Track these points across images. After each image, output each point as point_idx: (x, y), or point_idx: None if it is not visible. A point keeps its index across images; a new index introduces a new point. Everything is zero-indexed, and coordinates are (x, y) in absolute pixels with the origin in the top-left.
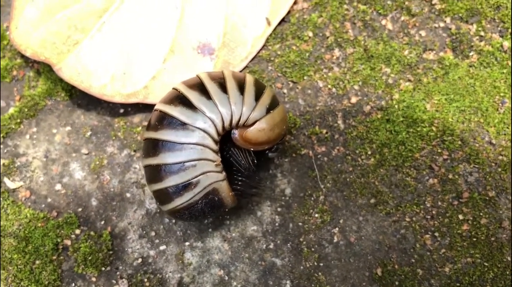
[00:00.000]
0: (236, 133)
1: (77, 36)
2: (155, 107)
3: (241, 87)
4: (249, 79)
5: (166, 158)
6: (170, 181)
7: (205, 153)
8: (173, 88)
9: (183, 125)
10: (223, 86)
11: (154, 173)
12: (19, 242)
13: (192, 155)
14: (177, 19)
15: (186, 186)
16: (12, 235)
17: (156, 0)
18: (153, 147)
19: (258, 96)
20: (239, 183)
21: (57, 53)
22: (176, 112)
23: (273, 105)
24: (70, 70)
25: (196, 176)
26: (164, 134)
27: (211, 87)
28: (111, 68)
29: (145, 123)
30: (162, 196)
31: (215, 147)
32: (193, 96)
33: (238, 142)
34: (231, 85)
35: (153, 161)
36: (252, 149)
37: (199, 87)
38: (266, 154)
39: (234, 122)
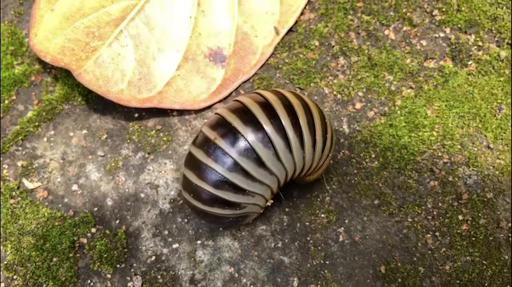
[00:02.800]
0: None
1: (95, 43)
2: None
3: (313, 135)
4: (319, 123)
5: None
6: (224, 195)
7: (264, 197)
8: (245, 140)
9: (250, 175)
10: (301, 139)
11: (214, 178)
12: (37, 240)
13: (251, 200)
14: (191, 28)
15: (233, 205)
16: (31, 233)
17: (171, 10)
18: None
19: (325, 140)
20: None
21: (76, 59)
22: (247, 165)
23: (333, 140)
24: (89, 76)
25: (248, 204)
26: (233, 177)
27: (289, 143)
28: (127, 74)
29: (159, 127)
30: (205, 198)
31: (274, 192)
32: (265, 155)
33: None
34: (308, 140)
35: (222, 173)
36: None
37: (272, 143)
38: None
39: (301, 174)
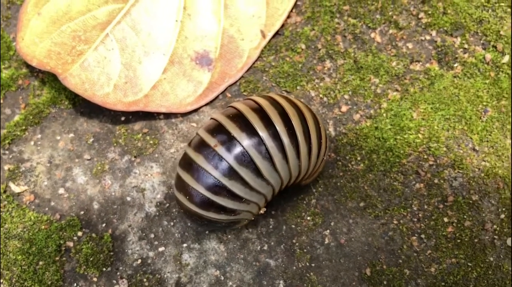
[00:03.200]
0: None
1: (81, 47)
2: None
3: (308, 143)
4: (313, 129)
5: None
6: (221, 201)
7: (258, 205)
8: (245, 151)
9: (248, 185)
10: (297, 149)
11: (213, 184)
12: (23, 243)
13: (247, 207)
14: (177, 32)
15: (229, 211)
16: (17, 237)
17: (157, 13)
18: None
19: (319, 146)
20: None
21: (62, 63)
22: (246, 175)
23: (327, 142)
24: (74, 80)
25: (242, 211)
26: (232, 185)
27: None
28: (113, 77)
29: (145, 130)
30: (202, 202)
31: (268, 200)
32: (263, 166)
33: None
34: (303, 149)
35: (221, 180)
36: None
37: (271, 155)
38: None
39: (296, 181)
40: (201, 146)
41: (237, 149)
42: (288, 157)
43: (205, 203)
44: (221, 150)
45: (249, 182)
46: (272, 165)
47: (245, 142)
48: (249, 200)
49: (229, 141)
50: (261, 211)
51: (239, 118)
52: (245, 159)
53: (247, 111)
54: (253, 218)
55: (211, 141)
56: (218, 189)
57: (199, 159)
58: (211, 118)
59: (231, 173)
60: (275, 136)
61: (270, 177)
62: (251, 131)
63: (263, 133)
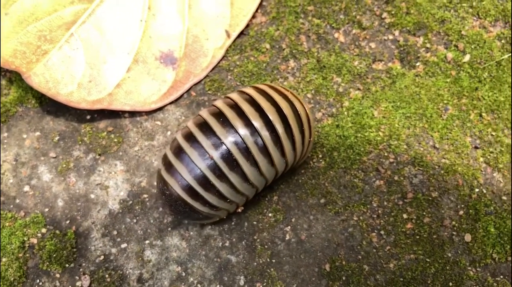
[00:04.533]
0: None
1: (46, 47)
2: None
3: (291, 138)
4: (293, 120)
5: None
6: (209, 198)
7: (238, 205)
8: (235, 159)
9: (235, 188)
10: (282, 150)
11: (204, 182)
12: None
13: (228, 206)
14: (141, 32)
15: (213, 206)
16: None
17: (122, 14)
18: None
19: (303, 135)
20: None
21: (26, 62)
22: (234, 180)
23: (311, 125)
24: (38, 78)
25: (223, 209)
26: (221, 187)
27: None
28: (77, 76)
29: (110, 129)
30: (192, 192)
31: (250, 199)
32: (250, 173)
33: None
34: (287, 147)
35: (213, 181)
36: None
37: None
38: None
39: (284, 173)
40: (194, 143)
41: (228, 155)
42: (274, 161)
43: (194, 194)
44: (213, 153)
45: (237, 186)
46: (259, 172)
47: (231, 146)
48: (233, 201)
49: (220, 145)
50: (239, 210)
51: (227, 124)
52: (235, 166)
53: (234, 119)
54: (224, 217)
55: (205, 143)
56: (209, 187)
57: (193, 155)
58: (199, 115)
59: (222, 176)
60: (261, 145)
61: (256, 181)
62: (237, 137)
63: (249, 142)
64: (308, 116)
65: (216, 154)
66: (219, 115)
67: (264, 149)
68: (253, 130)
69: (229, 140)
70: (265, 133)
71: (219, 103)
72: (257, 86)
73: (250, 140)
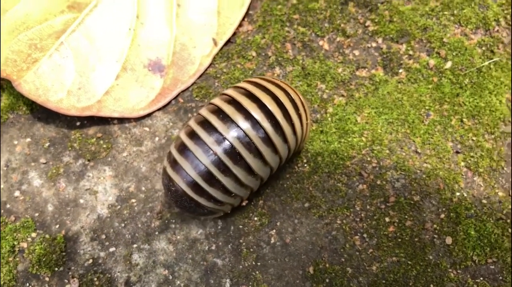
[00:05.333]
0: None
1: (36, 55)
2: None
3: (290, 123)
4: (290, 106)
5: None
6: (214, 193)
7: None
8: (239, 153)
9: (239, 182)
10: (284, 137)
11: (209, 178)
12: None
13: (232, 200)
14: (130, 40)
15: (218, 201)
16: None
17: (111, 22)
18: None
19: (300, 118)
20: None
21: (17, 70)
22: (239, 173)
23: (305, 107)
24: (28, 86)
25: (228, 203)
26: (226, 182)
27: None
28: (67, 83)
29: (99, 135)
30: (197, 189)
31: (254, 191)
32: (255, 165)
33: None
34: (289, 133)
35: (218, 176)
36: None
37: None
38: None
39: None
40: (198, 141)
41: (232, 150)
42: (278, 150)
43: (199, 190)
44: (217, 149)
45: (241, 180)
46: (263, 162)
47: (235, 141)
48: (238, 195)
49: (223, 141)
50: (243, 203)
51: (225, 118)
52: (239, 160)
53: (232, 113)
54: (228, 211)
55: (208, 139)
56: (214, 182)
57: (197, 153)
58: (198, 114)
59: (227, 171)
60: (264, 134)
61: (261, 172)
62: (240, 132)
63: (251, 134)
64: (302, 100)
65: (219, 150)
66: (219, 112)
67: (266, 139)
68: (254, 122)
69: (231, 135)
70: (265, 123)
71: (217, 101)
72: (250, 79)
73: (252, 133)
